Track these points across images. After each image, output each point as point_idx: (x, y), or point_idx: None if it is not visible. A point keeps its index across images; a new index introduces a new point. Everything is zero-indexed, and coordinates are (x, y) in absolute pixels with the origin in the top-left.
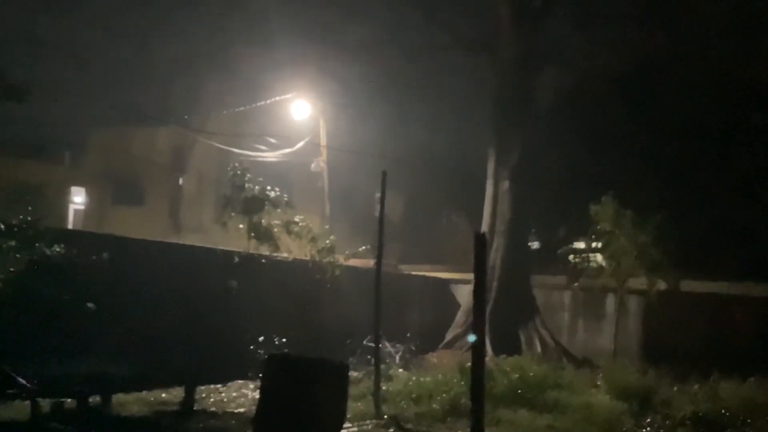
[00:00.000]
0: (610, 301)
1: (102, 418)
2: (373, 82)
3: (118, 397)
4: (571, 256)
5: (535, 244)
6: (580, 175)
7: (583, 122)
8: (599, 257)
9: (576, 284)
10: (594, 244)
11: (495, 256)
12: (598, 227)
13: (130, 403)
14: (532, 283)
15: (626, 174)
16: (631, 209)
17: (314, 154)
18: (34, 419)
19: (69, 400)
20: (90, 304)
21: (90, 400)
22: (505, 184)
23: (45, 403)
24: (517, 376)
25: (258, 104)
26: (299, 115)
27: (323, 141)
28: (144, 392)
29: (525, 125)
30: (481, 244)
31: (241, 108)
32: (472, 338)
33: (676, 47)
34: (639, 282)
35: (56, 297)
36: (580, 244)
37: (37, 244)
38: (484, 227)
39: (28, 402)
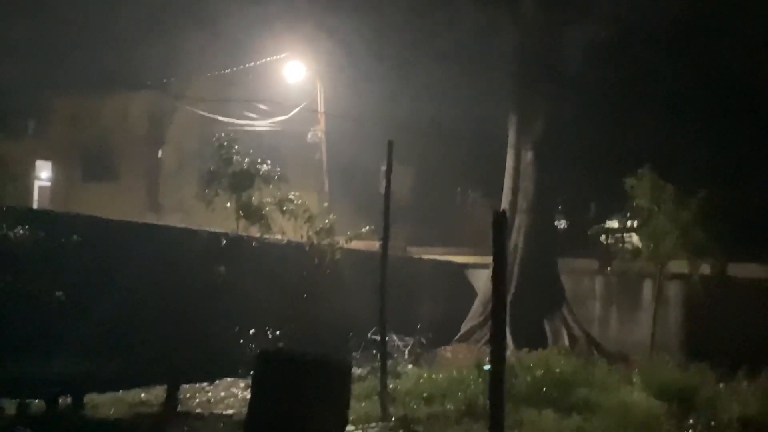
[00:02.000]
0: (648, 288)
1: (73, 421)
2: (378, 40)
3: (91, 398)
4: (603, 237)
5: (562, 224)
6: (615, 144)
7: (618, 85)
8: (635, 238)
9: (609, 269)
10: (629, 223)
11: (517, 237)
12: (635, 204)
13: (105, 404)
14: (558, 268)
15: (667, 144)
16: (672, 183)
17: (311, 122)
18: None
19: (36, 401)
20: (59, 294)
21: (59, 401)
22: (529, 156)
23: (9, 405)
24: (542, 372)
25: (246, 66)
26: (293, 78)
27: (321, 107)
28: (120, 392)
29: (551, 88)
30: (501, 223)
31: (227, 70)
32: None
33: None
34: (680, 266)
35: (20, 286)
36: (614, 223)
37: None
38: (504, 204)
39: None
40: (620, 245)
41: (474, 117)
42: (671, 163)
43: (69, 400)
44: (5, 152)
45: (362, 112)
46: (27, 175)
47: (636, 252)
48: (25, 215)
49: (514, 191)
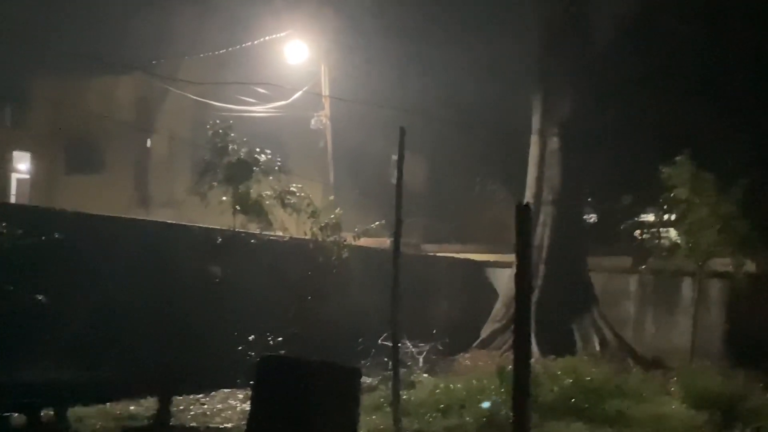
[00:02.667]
0: (687, 287)
1: None
2: (388, 16)
3: (75, 411)
4: (637, 232)
5: (591, 217)
6: (649, 130)
7: (652, 63)
8: (673, 232)
9: (643, 267)
10: (666, 217)
11: (542, 232)
12: (672, 195)
13: (91, 417)
14: (588, 266)
15: (707, 128)
16: (713, 172)
17: (314, 107)
18: None
19: (16, 414)
20: (39, 297)
21: (41, 414)
22: (554, 143)
23: None
24: (571, 381)
25: (243, 45)
26: (295, 59)
27: (325, 91)
28: (108, 404)
29: (579, 67)
30: (525, 217)
31: (222, 51)
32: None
33: None
34: (723, 263)
35: None
36: (649, 217)
37: None
38: (528, 197)
39: None
40: (656, 240)
41: (494, 100)
42: (712, 150)
43: (51, 412)
44: None
45: (371, 96)
46: (4, 167)
47: (674, 248)
48: (3, 210)
49: (539, 182)
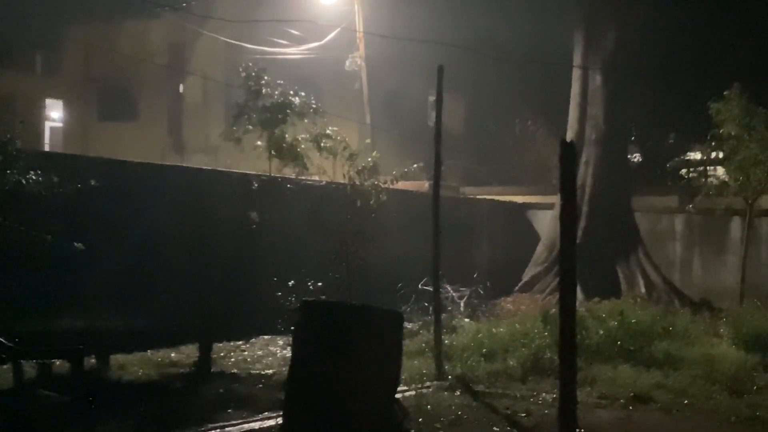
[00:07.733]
0: (736, 227)
1: (99, 382)
2: None
3: (117, 358)
4: (683, 170)
5: (636, 156)
6: (697, 63)
7: None
8: (721, 170)
9: (691, 206)
10: (714, 154)
11: (585, 172)
12: (721, 131)
13: (133, 364)
14: (633, 206)
15: (757, 61)
16: (763, 107)
17: (349, 48)
18: (18, 385)
19: (58, 361)
20: (78, 244)
21: (84, 361)
22: (597, 79)
23: (29, 366)
24: (616, 323)
25: None
26: None
27: (360, 30)
28: (149, 351)
29: None
30: (569, 155)
31: None
32: None
33: None
34: None
35: (35, 236)
36: (696, 155)
37: (8, 171)
38: (570, 135)
39: (8, 365)
40: (704, 179)
41: (534, 35)
42: (763, 84)
43: (93, 359)
44: (12, 90)
45: (407, 34)
46: (36, 115)
47: (722, 186)
48: (38, 159)
49: (581, 120)
